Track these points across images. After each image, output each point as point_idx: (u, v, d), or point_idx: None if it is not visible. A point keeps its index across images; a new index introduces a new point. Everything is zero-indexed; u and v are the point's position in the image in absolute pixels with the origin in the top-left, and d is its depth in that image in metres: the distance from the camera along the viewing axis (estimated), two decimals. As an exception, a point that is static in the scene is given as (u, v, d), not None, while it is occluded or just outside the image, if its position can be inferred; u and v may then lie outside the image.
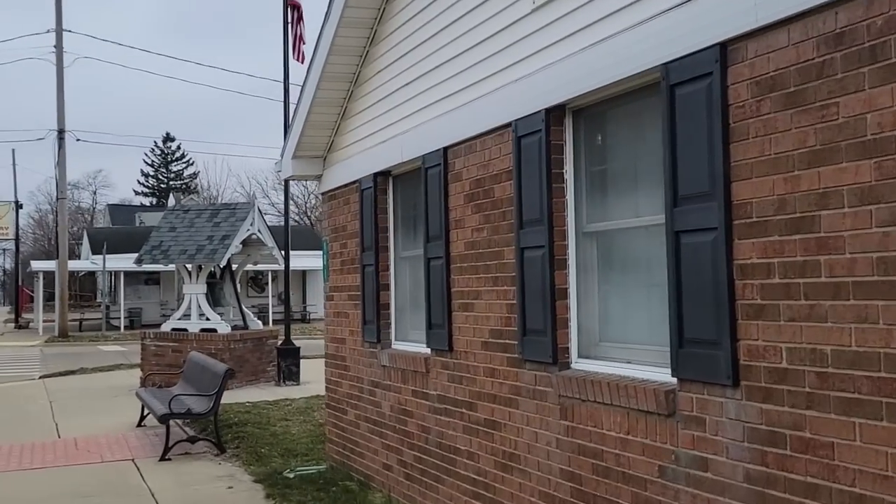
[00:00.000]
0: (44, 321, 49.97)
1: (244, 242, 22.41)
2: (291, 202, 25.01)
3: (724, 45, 5.19)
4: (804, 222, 4.69)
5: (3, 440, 14.67)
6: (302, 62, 22.18)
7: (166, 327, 22.04)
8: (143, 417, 15.91)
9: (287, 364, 21.78)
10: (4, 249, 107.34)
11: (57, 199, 50.87)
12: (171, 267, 24.51)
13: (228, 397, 16.09)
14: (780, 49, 4.84)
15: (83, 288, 72.51)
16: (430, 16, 8.70)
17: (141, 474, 11.97)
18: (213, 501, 10.56)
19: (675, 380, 5.64)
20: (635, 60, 5.90)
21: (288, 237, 23.78)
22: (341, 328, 11.41)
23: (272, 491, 10.62)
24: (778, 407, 4.86)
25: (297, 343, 22.67)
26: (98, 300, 60.89)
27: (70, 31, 46.71)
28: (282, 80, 23.13)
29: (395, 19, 9.51)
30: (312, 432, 14.28)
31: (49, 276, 51.46)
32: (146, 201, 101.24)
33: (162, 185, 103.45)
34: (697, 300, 5.40)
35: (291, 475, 11.32)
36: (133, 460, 12.87)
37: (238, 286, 24.03)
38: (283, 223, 26.88)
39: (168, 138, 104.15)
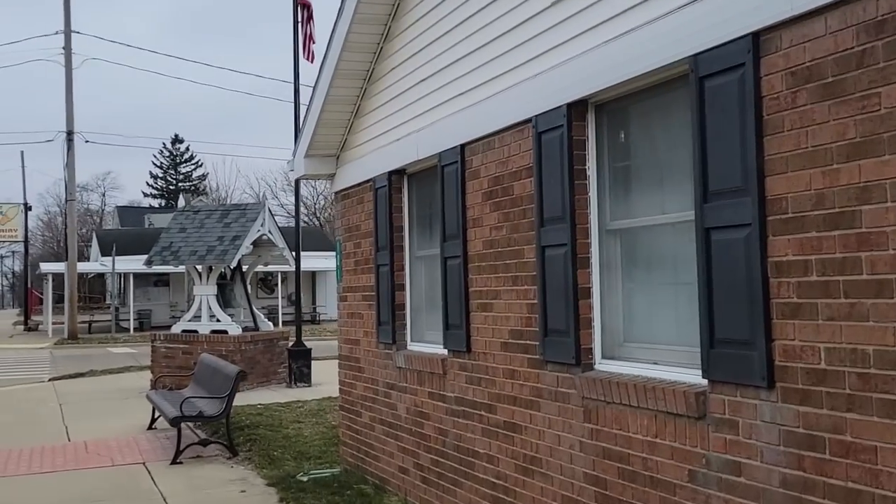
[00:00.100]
0: (53, 323, 49.93)
1: (255, 243, 22.26)
2: (300, 203, 24.81)
3: (756, 35, 5.01)
4: (844, 218, 4.51)
5: (13, 443, 14.53)
6: (312, 61, 22.09)
7: (177, 329, 21.90)
8: (153, 420, 15.78)
9: (298, 366, 21.64)
10: (13, 252, 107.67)
11: (66, 200, 50.79)
12: (181, 268, 24.39)
13: (240, 399, 15.93)
14: (816, 38, 4.67)
15: (92, 290, 72.50)
16: (446, 10, 8.53)
17: (152, 478, 11.82)
18: (226, 506, 10.42)
19: (705, 381, 5.47)
20: (662, 53, 5.73)
21: (299, 237, 23.61)
22: (355, 329, 11.25)
23: (286, 495, 10.46)
24: (816, 409, 4.68)
25: (307, 344, 22.50)
26: (107, 302, 60.89)
27: (79, 32, 46.67)
28: (291, 81, 23.03)
29: (409, 15, 9.34)
30: (325, 435, 14.11)
31: (58, 278, 51.38)
32: (155, 203, 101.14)
33: (171, 187, 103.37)
34: (730, 299, 5.22)
35: (305, 478, 11.16)
36: (144, 464, 12.72)
37: (249, 287, 23.87)
38: (292, 224, 26.75)
39: (177, 140, 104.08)
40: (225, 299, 22.45)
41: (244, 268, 23.31)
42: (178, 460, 12.72)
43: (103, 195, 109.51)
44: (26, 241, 69.01)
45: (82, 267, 51.88)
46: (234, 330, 21.27)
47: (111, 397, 20.60)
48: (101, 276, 65.86)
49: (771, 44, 4.94)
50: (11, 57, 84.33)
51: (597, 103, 6.70)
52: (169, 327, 23.90)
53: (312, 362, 22.13)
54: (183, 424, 13.31)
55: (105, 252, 52.16)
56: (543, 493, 7.16)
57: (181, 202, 32.74)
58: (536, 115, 7.10)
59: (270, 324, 23.76)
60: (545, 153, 7.01)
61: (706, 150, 5.39)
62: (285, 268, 32.53)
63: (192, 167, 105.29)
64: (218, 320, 21.53)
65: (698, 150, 5.45)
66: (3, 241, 79.54)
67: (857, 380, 4.45)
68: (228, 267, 22.10)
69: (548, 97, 6.94)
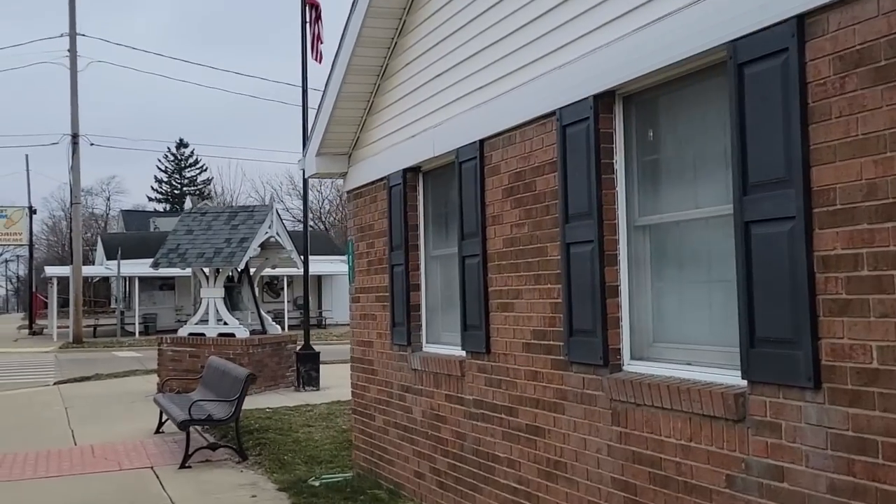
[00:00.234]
0: (58, 327, 49.76)
1: (262, 245, 22.01)
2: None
3: (801, 18, 4.77)
4: (899, 208, 4.27)
5: (19, 447, 14.31)
6: (320, 62, 21.87)
7: (183, 332, 21.65)
8: (161, 424, 15.55)
9: (306, 369, 21.38)
10: (18, 255, 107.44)
11: (71, 203, 50.60)
12: (187, 272, 24.15)
13: (248, 403, 15.66)
14: (867, 20, 4.42)
15: (97, 294, 72.40)
16: (465, 2, 8.29)
17: (161, 482, 11.58)
18: (237, 511, 10.19)
19: (745, 382, 5.22)
20: (697, 39, 5.49)
21: (307, 239, 23.36)
22: (368, 331, 11.01)
23: (298, 500, 10.23)
24: (867, 411, 4.43)
25: (315, 348, 22.27)
26: (112, 306, 60.71)
27: (84, 34, 46.38)
28: (296, 84, 22.86)
29: (426, 7, 9.10)
30: (336, 439, 13.86)
31: (63, 281, 51.22)
32: (160, 207, 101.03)
33: (175, 192, 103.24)
34: (772, 296, 4.98)
35: (317, 483, 10.91)
36: (152, 468, 12.49)
37: (256, 290, 23.64)
38: (297, 228, 26.51)
39: (181, 144, 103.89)
40: (232, 302, 22.19)
41: (252, 270, 23.07)
42: (186, 464, 12.49)
43: (108, 199, 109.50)
44: (31, 245, 68.88)
45: (87, 270, 51.75)
46: (242, 333, 21.02)
47: (117, 401, 20.38)
48: (105, 279, 65.73)
49: (817, 27, 4.70)
50: (16, 59, 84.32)
51: (625, 94, 6.46)
52: (174, 331, 23.67)
53: (320, 366, 21.87)
54: (191, 428, 13.07)
55: (110, 256, 51.97)
56: (568, 499, 6.91)
57: (188, 204, 32.56)
58: (561, 108, 6.86)
59: (278, 327, 23.50)
60: (570, 147, 6.78)
61: (745, 140, 5.14)
62: (291, 271, 32.34)
63: (197, 171, 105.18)
64: (225, 323, 21.29)
65: (737, 140, 5.20)
66: (8, 245, 79.49)
67: (913, 380, 4.20)
68: (236, 269, 21.84)
69: (573, 89, 6.70)
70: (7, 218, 63.43)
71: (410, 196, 9.76)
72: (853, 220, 4.50)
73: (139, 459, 13.13)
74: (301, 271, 23.70)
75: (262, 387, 20.40)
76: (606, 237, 6.48)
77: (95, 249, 66.88)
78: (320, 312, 55.23)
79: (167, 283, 52.54)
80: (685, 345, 6.06)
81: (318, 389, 20.93)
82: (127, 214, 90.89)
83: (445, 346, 9.27)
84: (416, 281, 9.78)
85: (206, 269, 21.47)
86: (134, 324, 49.35)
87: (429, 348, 9.65)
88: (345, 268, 53.22)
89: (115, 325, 49.42)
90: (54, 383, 25.25)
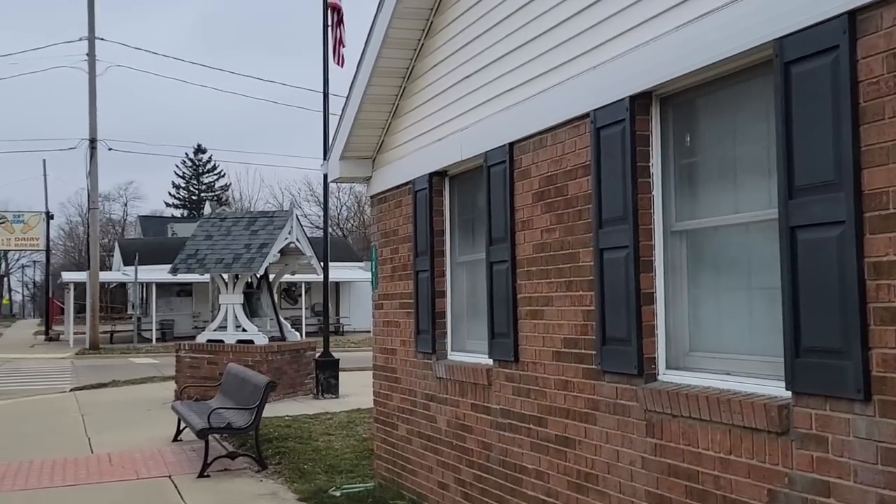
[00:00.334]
0: (74, 333, 49.69)
1: (282, 251, 21.88)
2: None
3: (852, 14, 4.58)
4: (959, 212, 4.08)
5: (35, 455, 14.17)
6: (342, 66, 21.69)
7: (201, 339, 21.53)
8: (179, 432, 15.38)
9: (325, 377, 21.22)
10: (35, 261, 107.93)
11: (88, 208, 50.58)
12: (206, 278, 24.04)
13: (266, 411, 15.48)
14: (924, 15, 4.24)
15: (114, 300, 72.48)
16: (495, 1, 8.12)
17: (179, 492, 11.43)
18: (257, 521, 10.02)
19: (789, 394, 5.02)
20: (740, 38, 5.30)
21: (327, 245, 23.18)
22: (391, 338, 10.83)
23: (319, 510, 10.07)
24: (923, 425, 4.24)
25: (334, 356, 22.11)
26: (129, 312, 60.71)
27: (102, 38, 46.46)
28: (315, 90, 22.80)
29: (454, 8, 8.94)
30: (356, 448, 13.69)
31: (80, 287, 51.14)
32: (177, 213, 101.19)
33: (193, 197, 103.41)
34: (819, 304, 4.78)
35: (338, 493, 10.74)
36: (170, 477, 12.34)
37: (275, 296, 23.49)
38: (314, 234, 26.36)
39: (199, 150, 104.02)
40: (251, 308, 22.05)
41: (271, 276, 22.94)
42: (205, 473, 12.33)
43: (125, 205, 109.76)
44: (48, 251, 68.94)
45: (104, 276, 51.64)
46: (261, 340, 20.88)
47: (134, 408, 20.24)
48: (122, 285, 65.72)
49: (870, 23, 4.51)
50: (35, 64, 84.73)
51: (662, 95, 6.28)
52: (192, 338, 23.56)
53: (339, 373, 21.70)
54: (210, 436, 12.91)
55: (127, 261, 51.99)
56: (600, 512, 6.72)
57: (207, 209, 32.48)
58: (595, 110, 6.68)
59: (297, 334, 23.36)
60: (604, 150, 6.59)
61: (792, 141, 4.95)
62: (309, 278, 32.19)
63: (215, 177, 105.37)
64: (244, 330, 21.14)
65: (783, 142, 5.01)
66: (25, 250, 79.71)
67: (974, 392, 4.01)
68: (255, 275, 21.70)
69: (607, 90, 6.53)
70: (24, 223, 63.59)
71: (436, 201, 9.59)
72: (908, 225, 4.31)
73: (157, 468, 12.98)
74: (319, 277, 23.56)
75: (281, 394, 20.24)
76: (642, 242, 6.30)
77: (113, 255, 66.98)
78: (338, 319, 55.09)
79: (185, 290, 52.53)
80: (723, 354, 5.86)
81: (337, 397, 20.77)
82: (144, 220, 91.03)
83: (471, 354, 9.09)
84: (441, 287, 9.61)
85: (225, 275, 21.35)
86: (151, 330, 49.30)
87: (454, 356, 9.47)
88: (362, 274, 52.84)
89: (132, 331, 49.43)
90: (71, 390, 25.14)
